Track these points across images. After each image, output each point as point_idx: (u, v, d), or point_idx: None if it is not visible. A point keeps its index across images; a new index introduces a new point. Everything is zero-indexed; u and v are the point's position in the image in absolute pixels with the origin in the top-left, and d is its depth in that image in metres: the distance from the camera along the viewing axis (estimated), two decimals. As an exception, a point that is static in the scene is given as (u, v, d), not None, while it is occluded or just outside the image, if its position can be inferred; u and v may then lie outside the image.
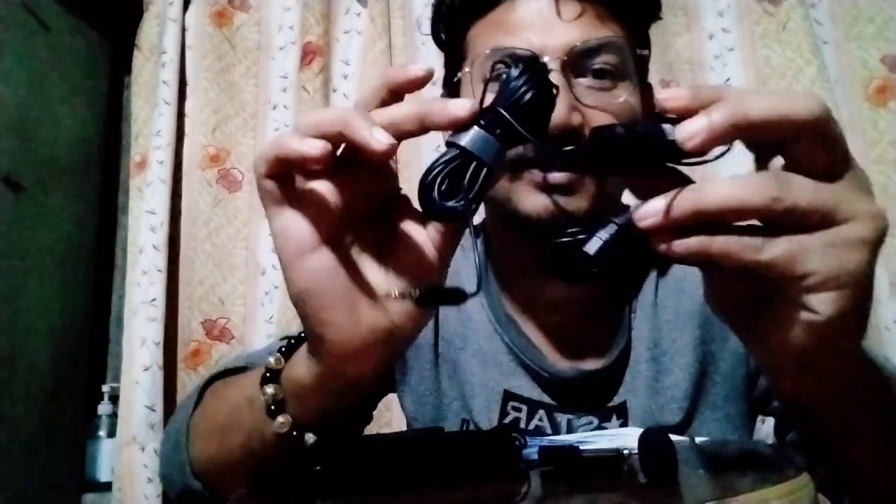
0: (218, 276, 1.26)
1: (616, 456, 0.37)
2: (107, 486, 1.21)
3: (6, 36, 1.14)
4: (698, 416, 0.61)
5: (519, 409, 0.62)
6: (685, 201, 0.30)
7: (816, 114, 0.29)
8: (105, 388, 1.30)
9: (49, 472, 1.19)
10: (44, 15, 1.23)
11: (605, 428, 0.60)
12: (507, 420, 0.62)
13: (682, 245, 0.30)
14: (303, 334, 0.41)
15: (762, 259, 0.30)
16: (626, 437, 0.44)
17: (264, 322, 1.24)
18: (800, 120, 0.29)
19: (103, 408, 1.29)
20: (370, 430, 0.72)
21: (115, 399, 1.24)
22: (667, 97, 0.31)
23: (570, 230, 0.33)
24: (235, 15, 1.35)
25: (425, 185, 0.33)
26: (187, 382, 1.23)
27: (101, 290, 1.39)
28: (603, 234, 0.31)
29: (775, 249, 0.29)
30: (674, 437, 0.35)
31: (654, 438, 0.34)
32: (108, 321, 1.41)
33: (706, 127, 0.29)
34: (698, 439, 0.45)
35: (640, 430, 0.36)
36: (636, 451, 0.36)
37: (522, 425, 0.61)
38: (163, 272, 1.19)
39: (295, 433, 0.40)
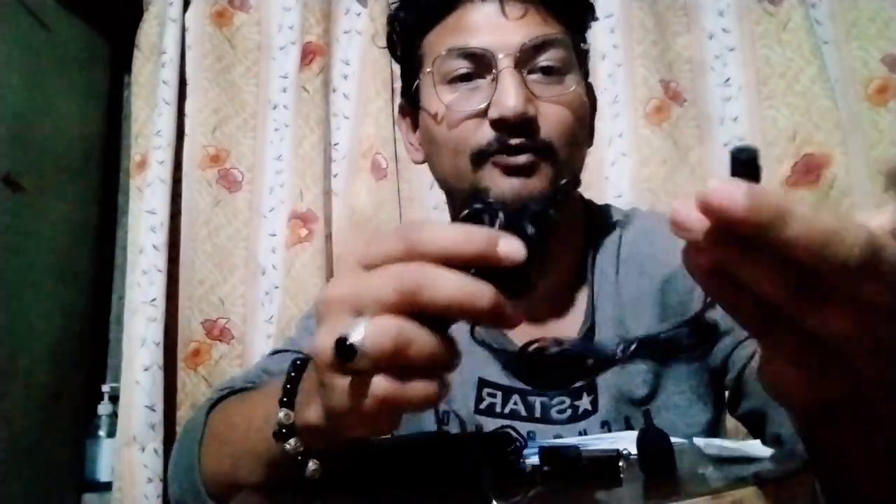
0: (218, 276, 1.26)
1: (615, 456, 0.37)
2: (107, 486, 1.21)
3: (6, 36, 1.14)
4: (663, 390, 0.63)
5: (494, 395, 0.65)
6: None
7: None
8: (105, 388, 1.30)
9: (49, 472, 1.19)
10: (44, 15, 1.23)
11: (577, 406, 0.63)
12: (482, 406, 0.65)
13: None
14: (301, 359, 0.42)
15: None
16: (625, 440, 0.44)
17: (264, 322, 1.24)
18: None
19: (103, 408, 1.29)
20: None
21: (115, 399, 1.24)
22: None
23: (535, 342, 0.36)
24: (235, 15, 1.35)
25: None
26: (187, 382, 1.23)
27: (101, 290, 1.39)
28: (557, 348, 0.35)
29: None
30: (672, 438, 0.35)
31: (652, 439, 0.34)
32: (108, 321, 1.41)
33: None
34: (697, 440, 0.45)
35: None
36: (635, 452, 0.36)
37: (498, 410, 0.64)
38: (163, 272, 1.19)
39: (300, 458, 0.40)
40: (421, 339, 0.32)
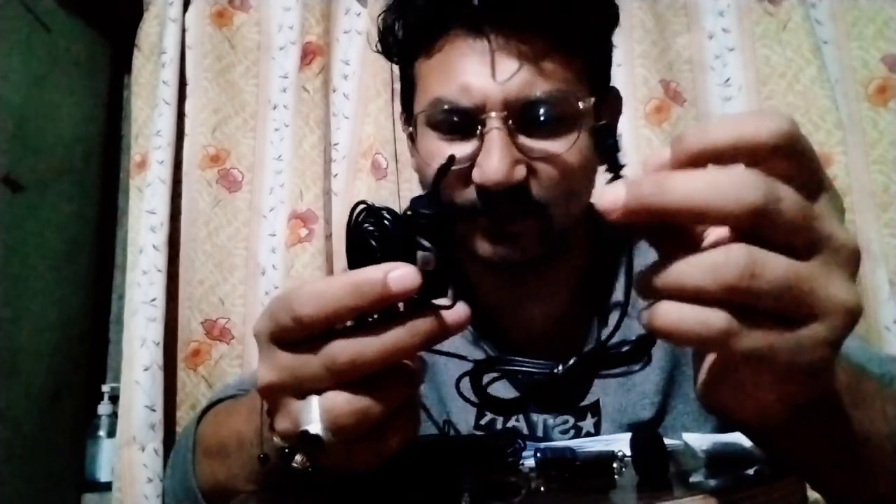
0: (218, 276, 1.26)
1: (610, 457, 0.37)
2: (107, 486, 1.21)
3: (6, 36, 1.14)
4: (671, 410, 0.62)
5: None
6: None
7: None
8: (105, 388, 1.30)
9: (49, 472, 1.20)
10: (44, 15, 1.23)
11: (580, 427, 0.61)
12: (483, 422, 0.63)
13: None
14: None
15: (737, 348, 0.27)
16: (620, 441, 0.44)
17: (264, 322, 1.24)
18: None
19: (103, 408, 1.29)
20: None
21: (115, 399, 1.24)
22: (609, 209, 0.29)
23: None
24: (235, 15, 1.35)
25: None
26: (187, 382, 1.23)
27: (101, 290, 1.39)
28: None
29: (749, 342, 0.27)
30: (666, 440, 0.35)
31: (645, 440, 0.35)
32: (108, 321, 1.41)
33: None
34: (686, 436, 0.45)
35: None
36: (629, 454, 0.37)
37: (499, 426, 0.62)
38: (163, 272, 1.19)
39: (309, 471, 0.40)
40: (373, 408, 0.32)
